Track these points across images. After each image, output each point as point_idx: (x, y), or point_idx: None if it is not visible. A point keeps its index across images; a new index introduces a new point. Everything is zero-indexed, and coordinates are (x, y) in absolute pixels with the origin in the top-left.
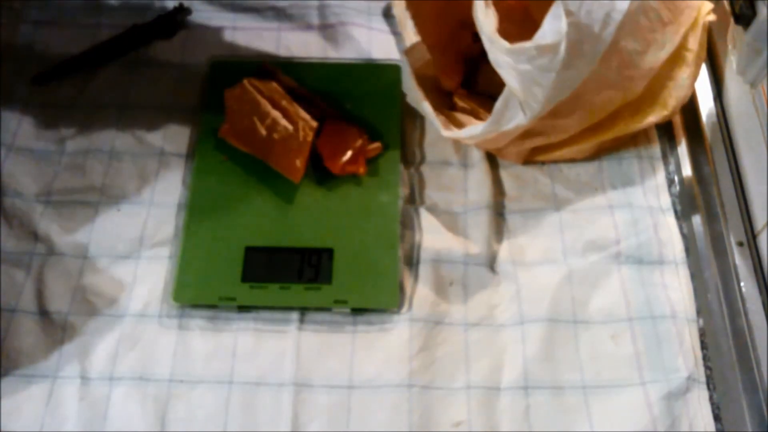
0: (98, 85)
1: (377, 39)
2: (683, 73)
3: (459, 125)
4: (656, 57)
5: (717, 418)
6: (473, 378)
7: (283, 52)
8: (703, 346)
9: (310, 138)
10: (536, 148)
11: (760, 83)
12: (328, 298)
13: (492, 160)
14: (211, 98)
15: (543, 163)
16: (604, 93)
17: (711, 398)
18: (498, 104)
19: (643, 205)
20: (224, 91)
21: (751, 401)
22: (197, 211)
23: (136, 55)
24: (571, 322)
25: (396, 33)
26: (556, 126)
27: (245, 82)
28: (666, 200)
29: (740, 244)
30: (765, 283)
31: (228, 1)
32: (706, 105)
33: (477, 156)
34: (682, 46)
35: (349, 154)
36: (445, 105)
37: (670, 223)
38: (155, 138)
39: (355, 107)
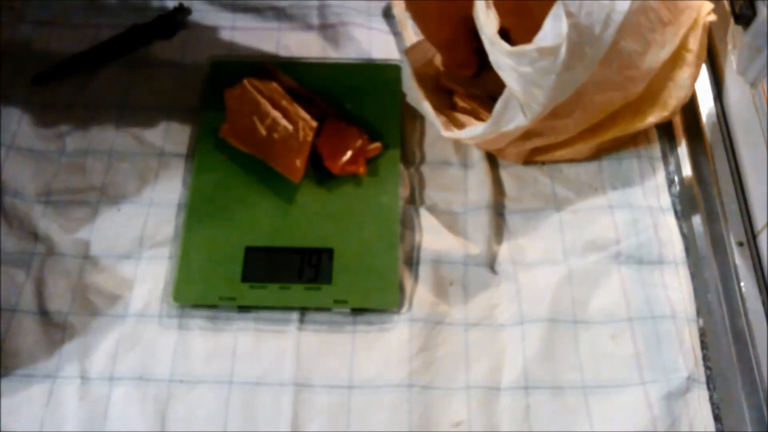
0: (98, 85)
1: (377, 39)
2: (683, 74)
3: (459, 125)
4: (656, 57)
5: (717, 418)
6: (473, 378)
7: (283, 52)
8: (703, 346)
9: (310, 138)
10: (536, 149)
11: (760, 83)
12: (328, 298)
13: (492, 160)
14: (211, 98)
15: (543, 163)
16: (604, 94)
17: (711, 398)
18: (498, 105)
19: (643, 205)
20: (224, 91)
21: (751, 401)
22: (197, 211)
23: (136, 55)
24: (571, 322)
25: (396, 33)
26: (556, 127)
27: (245, 82)
28: (666, 200)
29: (740, 244)
30: (765, 283)
31: (228, 1)
32: (706, 105)
33: (477, 156)
34: (682, 47)
35: (349, 154)
36: (446, 105)
37: (670, 223)
38: (155, 138)
39: (355, 107)
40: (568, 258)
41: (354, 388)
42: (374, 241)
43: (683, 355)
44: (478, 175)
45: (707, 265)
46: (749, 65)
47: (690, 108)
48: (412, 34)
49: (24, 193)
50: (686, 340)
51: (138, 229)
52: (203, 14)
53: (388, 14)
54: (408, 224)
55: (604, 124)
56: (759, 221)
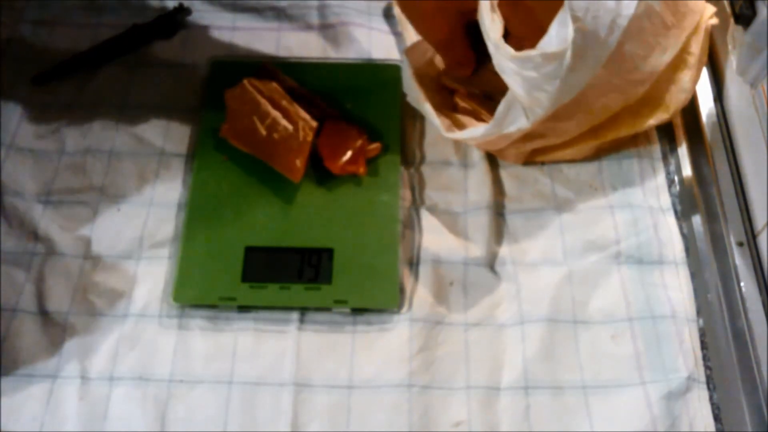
0: (98, 85)
1: (377, 39)
2: (685, 76)
3: (460, 126)
4: (659, 61)
5: (717, 418)
6: (473, 378)
7: (283, 52)
8: (703, 346)
9: (310, 138)
10: (536, 150)
11: (760, 83)
12: (328, 298)
13: (492, 160)
14: (211, 98)
15: (543, 163)
16: (606, 96)
17: (711, 398)
18: (500, 107)
19: (643, 206)
20: (224, 91)
21: (751, 401)
22: (197, 211)
23: (136, 55)
24: (571, 322)
25: (396, 33)
26: (557, 128)
27: (245, 82)
28: (666, 200)
29: (740, 244)
30: (765, 283)
31: (228, 1)
32: (706, 105)
33: (477, 156)
34: (684, 50)
35: (349, 154)
36: (446, 105)
37: (670, 223)
38: (155, 138)
39: (355, 107)
40: (568, 258)
41: (354, 388)
42: (374, 241)
43: (683, 355)
44: (478, 175)
45: (707, 265)
46: (749, 65)
47: (690, 108)
48: (413, 34)
49: (24, 193)
50: (686, 340)
51: (138, 228)
52: (203, 14)
53: (388, 14)
54: (408, 224)
55: (605, 125)
56: (759, 221)
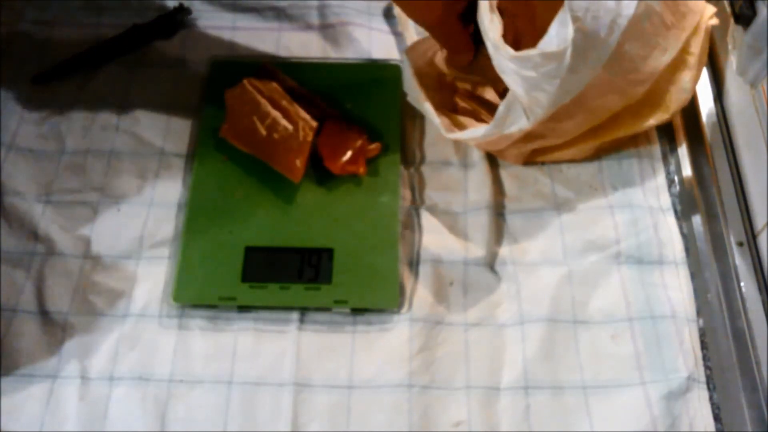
0: (98, 84)
1: (377, 39)
2: (685, 77)
3: (460, 126)
4: (659, 61)
5: (717, 418)
6: (473, 378)
7: (283, 52)
8: (703, 346)
9: (310, 138)
10: (536, 150)
11: (760, 83)
12: (328, 298)
13: (492, 160)
14: (211, 98)
15: (543, 163)
16: (606, 97)
17: (711, 398)
18: (501, 108)
19: (643, 205)
20: (224, 91)
21: (751, 401)
22: (197, 211)
23: (136, 55)
24: (571, 322)
25: (396, 33)
26: (557, 129)
27: (245, 82)
28: (666, 200)
29: (740, 244)
30: (765, 283)
31: (228, 1)
32: (706, 105)
33: (477, 156)
34: (684, 50)
35: (349, 154)
36: (447, 105)
37: (670, 223)
38: (155, 138)
39: (355, 107)
40: (568, 258)
41: (354, 388)
42: (374, 241)
43: (683, 355)
44: (478, 175)
45: (707, 265)
46: (749, 65)
47: (690, 108)
48: (414, 34)
49: (24, 193)
50: (686, 340)
51: (138, 228)
52: (203, 14)
53: (388, 14)
54: (408, 224)
55: (605, 125)
56: (759, 221)
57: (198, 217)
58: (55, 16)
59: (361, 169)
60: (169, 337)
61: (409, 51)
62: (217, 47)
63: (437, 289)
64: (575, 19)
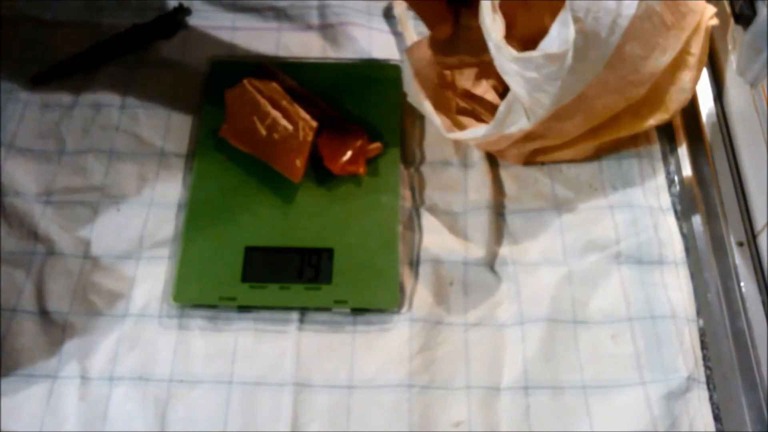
0: (98, 85)
1: (377, 39)
2: (685, 77)
3: (460, 126)
4: (659, 61)
5: (717, 418)
6: (473, 378)
7: (283, 52)
8: (703, 346)
9: (310, 138)
10: (536, 150)
11: (760, 83)
12: (328, 298)
13: (492, 160)
14: (211, 98)
15: (543, 163)
16: (606, 97)
17: (711, 398)
18: (501, 108)
19: (643, 205)
20: (224, 91)
21: (751, 401)
22: (197, 211)
23: (136, 55)
24: (571, 322)
25: (396, 33)
26: (557, 129)
27: (245, 82)
28: (666, 200)
29: (740, 244)
30: (765, 283)
31: (228, 1)
32: (706, 105)
33: (477, 156)
34: (684, 50)
35: (349, 154)
36: (447, 105)
37: (670, 223)
38: (155, 138)
39: (355, 107)
40: (568, 258)
41: (354, 388)
42: (374, 241)
43: (683, 355)
44: (478, 175)
45: (707, 265)
46: (749, 65)
47: (690, 108)
48: (413, 34)
49: (24, 193)
50: (686, 340)
51: (138, 229)
52: (203, 14)
53: (388, 14)
54: (408, 224)
55: (605, 125)
56: (759, 221)
57: (198, 217)
58: (55, 16)
59: (361, 169)
60: (169, 337)
61: (409, 51)
62: (217, 47)
63: (437, 289)
64: (576, 20)
